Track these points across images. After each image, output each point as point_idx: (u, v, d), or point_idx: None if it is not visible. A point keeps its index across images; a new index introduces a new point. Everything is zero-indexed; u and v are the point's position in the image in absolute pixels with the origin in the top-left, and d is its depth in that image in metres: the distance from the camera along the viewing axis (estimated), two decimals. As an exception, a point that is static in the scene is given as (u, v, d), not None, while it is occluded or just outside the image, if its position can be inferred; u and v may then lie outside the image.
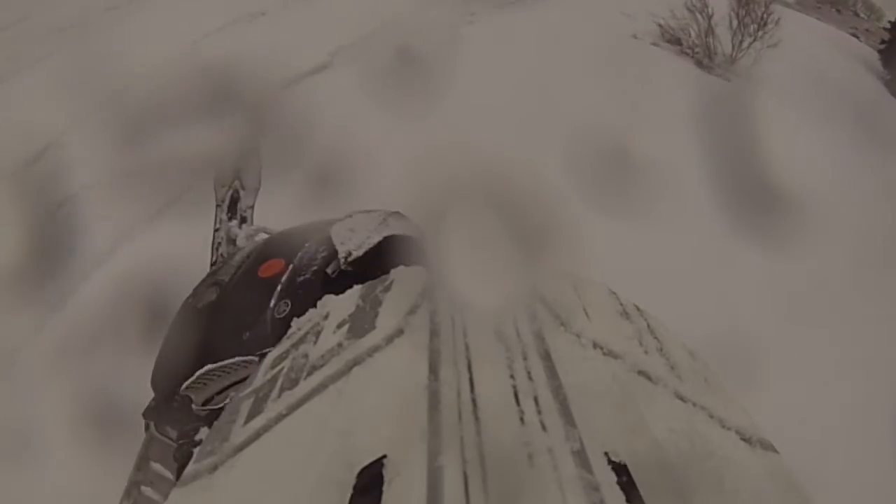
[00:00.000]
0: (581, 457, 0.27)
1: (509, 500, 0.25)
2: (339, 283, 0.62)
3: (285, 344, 0.45)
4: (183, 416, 0.66)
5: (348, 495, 0.26)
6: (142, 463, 0.73)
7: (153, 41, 2.12)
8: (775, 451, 0.33)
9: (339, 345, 0.37)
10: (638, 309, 0.44)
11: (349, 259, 0.65)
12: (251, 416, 0.35)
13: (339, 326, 0.41)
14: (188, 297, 0.74)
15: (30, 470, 1.12)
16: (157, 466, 0.70)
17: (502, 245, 0.39)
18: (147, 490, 0.71)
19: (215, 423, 0.39)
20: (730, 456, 0.30)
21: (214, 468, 0.32)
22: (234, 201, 1.24)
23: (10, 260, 1.31)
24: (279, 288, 0.65)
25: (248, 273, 0.71)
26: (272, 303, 0.64)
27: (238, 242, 0.99)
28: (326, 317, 0.44)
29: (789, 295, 1.68)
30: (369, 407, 0.31)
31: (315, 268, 0.66)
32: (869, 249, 1.78)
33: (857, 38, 3.30)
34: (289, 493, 0.27)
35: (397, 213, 0.78)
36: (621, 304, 0.43)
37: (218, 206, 1.25)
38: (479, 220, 0.41)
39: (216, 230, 1.21)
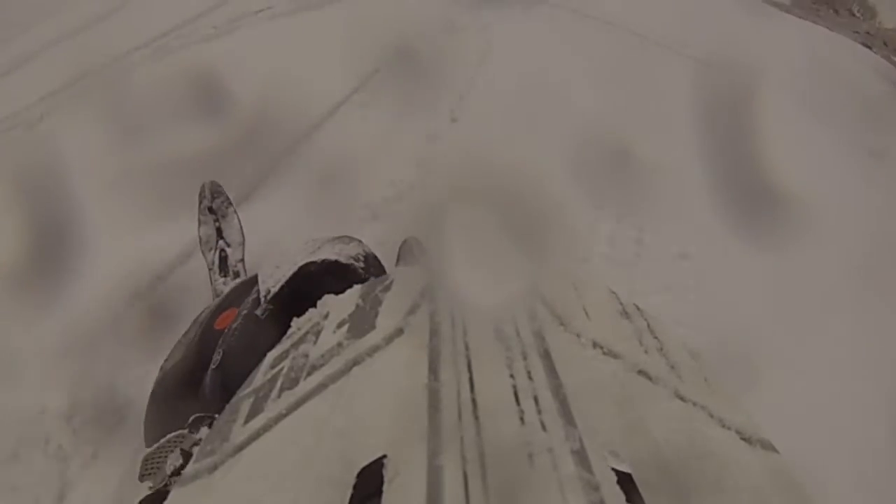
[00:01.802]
0: (581, 457, 0.27)
1: (509, 500, 0.25)
2: (269, 323, 0.62)
3: (285, 344, 0.45)
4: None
5: (348, 495, 0.26)
6: None
7: (154, 41, 2.12)
8: (775, 450, 0.33)
9: (339, 344, 0.37)
10: (638, 309, 0.44)
11: (268, 297, 0.64)
12: (251, 416, 0.35)
13: (339, 326, 0.41)
14: (164, 361, 0.75)
15: (29, 470, 1.12)
16: None
17: (502, 245, 0.39)
18: None
19: (215, 422, 0.39)
20: (730, 456, 0.30)
21: (214, 468, 0.32)
22: (224, 260, 1.28)
23: (10, 260, 1.31)
24: (220, 339, 0.65)
25: (206, 327, 0.71)
26: (214, 354, 0.64)
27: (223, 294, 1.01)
28: (326, 316, 0.44)
29: (789, 295, 1.68)
30: (369, 407, 0.31)
31: (245, 312, 0.66)
32: (870, 249, 1.78)
33: (869, 47, 3.18)
34: (289, 493, 0.27)
35: (343, 237, 0.77)
36: (621, 304, 0.43)
37: (210, 269, 1.28)
38: (480, 220, 0.41)
39: (213, 291, 1.24)
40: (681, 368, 0.37)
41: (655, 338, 0.40)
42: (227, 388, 0.56)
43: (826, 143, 2.08)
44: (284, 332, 0.51)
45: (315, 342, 0.41)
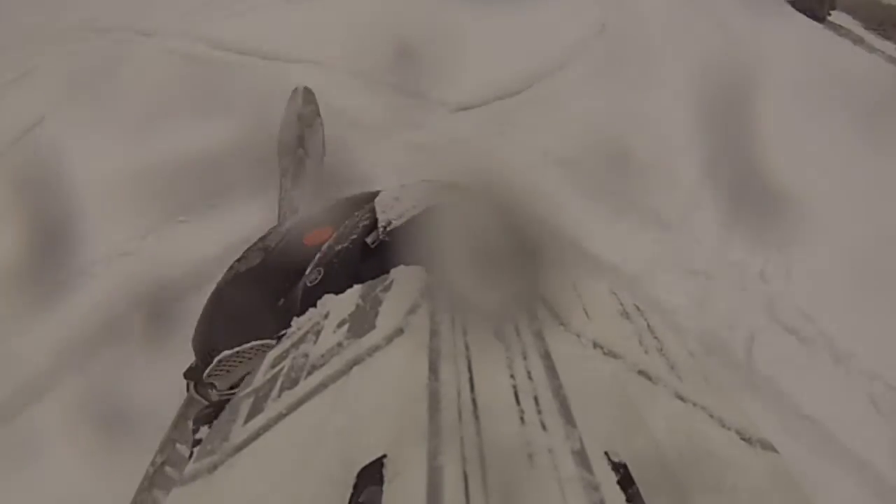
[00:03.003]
0: (581, 457, 0.27)
1: (509, 500, 0.25)
2: (378, 254, 0.58)
3: (285, 343, 0.45)
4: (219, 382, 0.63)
5: (348, 495, 0.26)
6: (179, 421, 0.71)
7: (155, 41, 2.12)
8: (775, 450, 0.33)
9: (339, 344, 0.37)
10: (638, 309, 0.44)
11: (388, 229, 0.60)
12: (251, 416, 0.35)
13: (339, 326, 0.41)
14: (235, 261, 0.71)
15: (29, 470, 1.12)
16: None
17: (502, 245, 0.39)
18: (181, 448, 0.69)
19: (215, 422, 0.39)
20: (730, 456, 0.30)
21: (214, 468, 0.32)
22: (299, 168, 1.18)
23: (10, 260, 1.31)
24: (317, 256, 0.61)
25: (294, 239, 0.68)
26: (308, 270, 0.60)
27: (301, 211, 0.95)
28: (326, 316, 0.44)
29: (789, 294, 1.68)
30: (369, 407, 0.31)
31: (354, 237, 0.62)
32: (870, 249, 1.78)
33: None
34: (289, 493, 0.27)
35: (455, 184, 0.72)
36: (621, 304, 0.43)
37: (282, 175, 1.20)
38: (480, 220, 0.41)
39: (281, 199, 1.16)
40: (681, 368, 0.37)
41: (655, 338, 0.40)
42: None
43: (826, 142, 2.09)
44: (389, 268, 0.48)
45: (315, 342, 0.41)
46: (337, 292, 0.49)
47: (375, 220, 0.62)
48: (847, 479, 1.25)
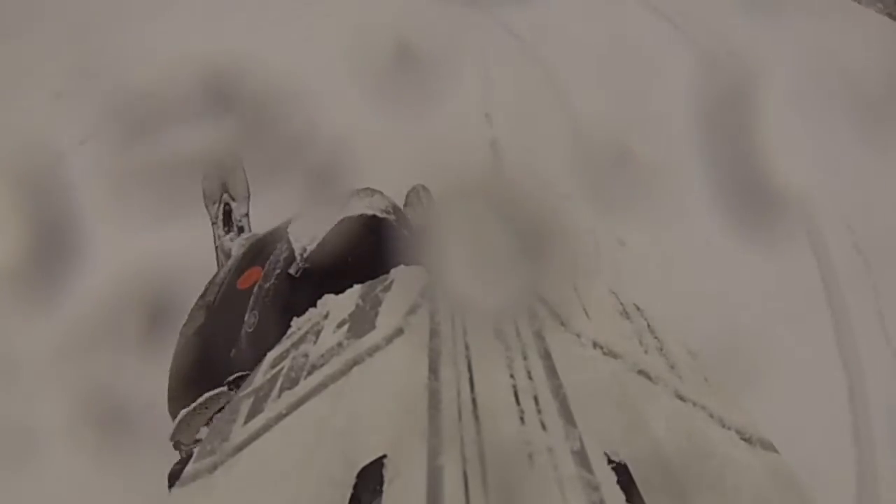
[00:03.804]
0: (581, 456, 0.27)
1: (509, 500, 0.25)
2: (304, 283, 0.59)
3: (285, 343, 0.45)
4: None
5: (348, 495, 0.26)
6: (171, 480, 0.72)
7: (155, 40, 2.12)
8: (776, 450, 0.33)
9: (339, 344, 0.37)
10: (638, 309, 0.44)
11: (305, 255, 0.61)
12: (251, 416, 0.35)
13: (339, 326, 0.41)
14: (183, 325, 0.73)
15: (29, 470, 1.12)
16: None
17: (502, 245, 0.39)
18: None
19: (215, 422, 0.39)
20: (730, 455, 0.30)
21: (214, 468, 0.32)
22: (228, 214, 1.22)
23: (10, 260, 1.31)
24: (251, 299, 0.62)
25: (228, 288, 0.69)
26: (246, 316, 0.61)
27: (233, 254, 0.97)
28: (326, 316, 0.44)
29: (790, 295, 1.68)
30: (369, 407, 0.31)
31: (278, 271, 0.63)
32: (871, 249, 1.78)
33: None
34: (289, 493, 0.27)
35: (366, 189, 0.74)
36: (621, 304, 0.43)
37: (213, 223, 1.23)
38: (479, 220, 0.41)
39: (216, 248, 1.19)
40: (681, 368, 0.37)
41: (655, 338, 0.40)
42: (263, 349, 0.55)
43: (827, 141, 2.08)
44: (320, 291, 0.49)
45: (315, 342, 0.41)
46: (275, 331, 0.50)
47: (293, 251, 0.63)
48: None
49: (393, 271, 0.46)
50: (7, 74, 2.00)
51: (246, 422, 0.35)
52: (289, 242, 0.65)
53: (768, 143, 1.90)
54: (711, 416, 0.33)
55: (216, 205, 1.24)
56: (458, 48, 2.17)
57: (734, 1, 2.64)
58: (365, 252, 0.55)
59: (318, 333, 0.42)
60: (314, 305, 0.48)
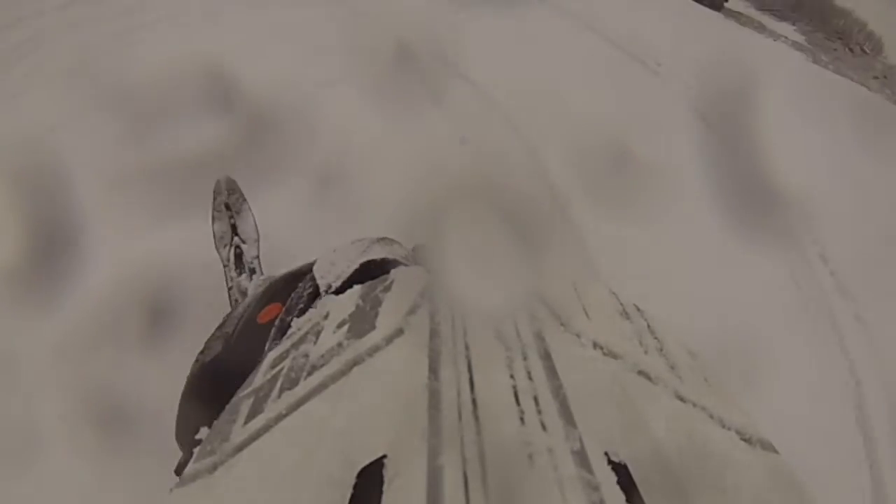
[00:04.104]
0: (581, 457, 0.27)
1: (509, 500, 0.25)
2: None
3: (285, 344, 0.45)
4: None
5: (348, 495, 0.26)
6: None
7: (155, 41, 2.12)
8: (776, 451, 0.33)
9: (339, 345, 0.37)
10: (638, 309, 0.44)
11: (329, 292, 0.64)
12: (251, 416, 0.35)
13: (339, 326, 0.41)
14: (199, 353, 0.74)
15: (30, 470, 1.12)
16: None
17: (502, 245, 0.39)
18: None
19: (215, 422, 0.39)
20: (730, 456, 0.30)
21: (214, 468, 0.32)
22: (239, 257, 1.28)
23: (10, 260, 1.31)
24: (272, 332, 0.64)
25: (248, 321, 0.70)
26: (266, 347, 0.62)
27: (250, 293, 1.00)
28: (326, 316, 0.44)
29: (790, 295, 1.68)
30: (369, 407, 0.31)
31: (301, 306, 0.64)
32: (871, 249, 1.78)
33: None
34: (289, 493, 0.27)
35: (385, 238, 0.78)
36: (621, 304, 0.43)
37: (225, 266, 1.27)
38: (480, 220, 0.41)
39: (229, 289, 1.23)
40: (681, 368, 0.37)
41: (655, 338, 0.40)
42: None
43: (827, 142, 2.08)
44: None
45: (315, 342, 0.41)
46: None
47: (317, 287, 0.65)
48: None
49: (393, 271, 0.46)
50: (7, 74, 2.00)
51: (246, 422, 0.35)
52: (313, 279, 0.67)
53: (768, 144, 1.90)
54: (711, 416, 0.33)
55: (227, 248, 1.29)
56: (458, 48, 2.17)
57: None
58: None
59: (318, 334, 0.42)
60: None
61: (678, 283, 1.60)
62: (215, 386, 0.65)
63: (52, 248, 1.40)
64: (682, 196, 1.83)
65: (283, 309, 0.65)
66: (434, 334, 0.36)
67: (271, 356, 0.44)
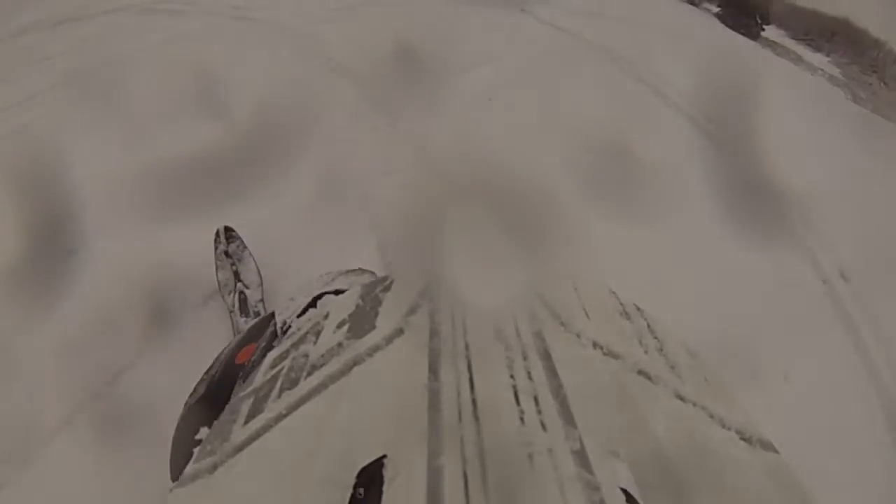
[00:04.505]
0: (581, 457, 0.27)
1: (509, 500, 0.25)
2: None
3: (285, 344, 0.45)
4: None
5: (348, 495, 0.26)
6: None
7: (154, 41, 2.12)
8: (775, 450, 0.33)
9: (340, 344, 0.37)
10: (638, 309, 0.44)
11: (284, 328, 0.64)
12: (251, 416, 0.35)
13: (339, 326, 0.41)
14: (189, 395, 0.76)
15: (30, 470, 1.12)
16: None
17: (502, 245, 0.39)
18: None
19: (215, 422, 0.39)
20: (730, 455, 0.30)
21: (214, 468, 0.32)
22: (243, 302, 1.31)
23: (10, 260, 1.31)
24: (240, 374, 0.65)
25: (227, 362, 0.72)
26: (234, 388, 0.63)
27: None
28: (326, 316, 0.44)
29: (790, 295, 1.68)
30: (369, 407, 0.31)
31: (263, 344, 0.66)
32: (871, 249, 1.78)
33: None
34: (289, 493, 0.27)
35: (356, 270, 0.78)
36: (621, 304, 0.43)
37: (231, 312, 1.31)
38: (480, 221, 0.41)
39: (235, 333, 1.25)
40: (681, 368, 0.37)
41: (655, 338, 0.40)
42: None
43: (827, 142, 2.08)
44: None
45: (315, 342, 0.41)
46: None
47: (276, 326, 0.66)
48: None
49: (393, 271, 0.46)
50: (7, 75, 2.00)
51: (246, 422, 0.35)
52: (274, 318, 0.68)
53: (769, 144, 1.90)
54: (711, 416, 0.33)
55: (232, 294, 1.33)
56: (458, 48, 2.17)
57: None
58: None
59: (318, 333, 0.42)
60: None
61: (678, 283, 1.60)
62: (199, 426, 0.67)
63: (52, 248, 1.40)
64: (682, 196, 1.83)
65: (257, 351, 0.67)
66: (434, 334, 0.36)
67: (271, 356, 0.44)
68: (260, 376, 0.42)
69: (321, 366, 0.36)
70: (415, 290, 0.40)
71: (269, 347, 0.65)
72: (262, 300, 1.33)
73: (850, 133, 2.06)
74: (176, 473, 0.65)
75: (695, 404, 0.34)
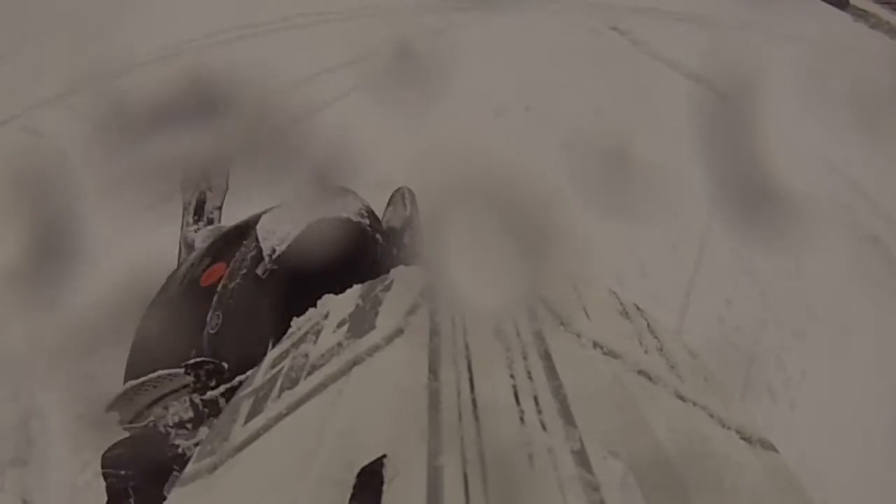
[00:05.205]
0: (581, 457, 0.27)
1: (509, 500, 0.25)
2: (271, 286, 0.57)
3: (285, 343, 0.45)
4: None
5: (348, 495, 0.26)
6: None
7: (153, 41, 2.12)
8: (775, 450, 0.33)
9: (339, 344, 0.37)
10: (638, 309, 0.44)
11: (273, 257, 0.59)
12: (251, 416, 0.35)
13: (339, 326, 0.41)
14: (142, 318, 0.71)
15: (30, 470, 1.12)
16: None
17: (502, 245, 0.39)
18: None
19: (215, 422, 0.39)
20: (730, 455, 0.30)
21: (214, 468, 0.32)
22: (201, 204, 1.17)
23: (10, 260, 1.31)
24: (215, 299, 0.60)
25: (191, 283, 0.66)
26: (209, 316, 0.59)
27: (196, 246, 0.93)
28: (326, 316, 0.44)
29: (790, 295, 1.68)
30: (369, 407, 0.31)
31: (244, 271, 0.60)
32: (872, 249, 1.78)
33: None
34: (289, 493, 0.27)
35: (339, 188, 0.72)
36: (621, 304, 0.43)
37: (184, 209, 1.18)
38: (479, 220, 0.41)
39: (181, 237, 1.16)
40: (681, 368, 0.37)
41: (655, 338, 0.40)
42: (225, 353, 0.54)
43: (827, 141, 2.09)
44: (286, 295, 0.48)
45: (315, 342, 0.41)
46: (238, 334, 0.50)
47: (261, 250, 0.60)
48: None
49: (393, 271, 0.46)
50: (7, 77, 2.00)
51: (246, 422, 0.35)
52: (257, 241, 0.62)
53: (768, 144, 1.90)
54: (711, 416, 0.33)
55: (191, 192, 1.18)
56: (458, 49, 2.17)
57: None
58: (337, 258, 0.54)
59: (318, 333, 0.42)
60: (282, 309, 0.47)
61: (678, 283, 1.60)
62: (156, 353, 0.63)
63: (51, 248, 1.40)
64: (682, 196, 1.83)
65: (226, 273, 0.61)
66: (434, 334, 0.36)
67: (271, 356, 0.44)
68: (260, 376, 0.42)
69: (321, 365, 0.36)
70: (415, 290, 0.40)
71: (251, 275, 0.59)
72: (220, 207, 1.19)
73: (850, 131, 2.05)
74: (129, 377, 0.62)
75: (695, 404, 0.34)
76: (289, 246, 0.59)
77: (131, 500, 0.58)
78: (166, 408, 0.58)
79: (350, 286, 0.45)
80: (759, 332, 1.48)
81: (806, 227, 1.78)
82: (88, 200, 1.49)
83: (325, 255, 0.55)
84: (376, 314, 0.39)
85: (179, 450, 0.57)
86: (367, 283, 0.46)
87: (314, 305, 0.45)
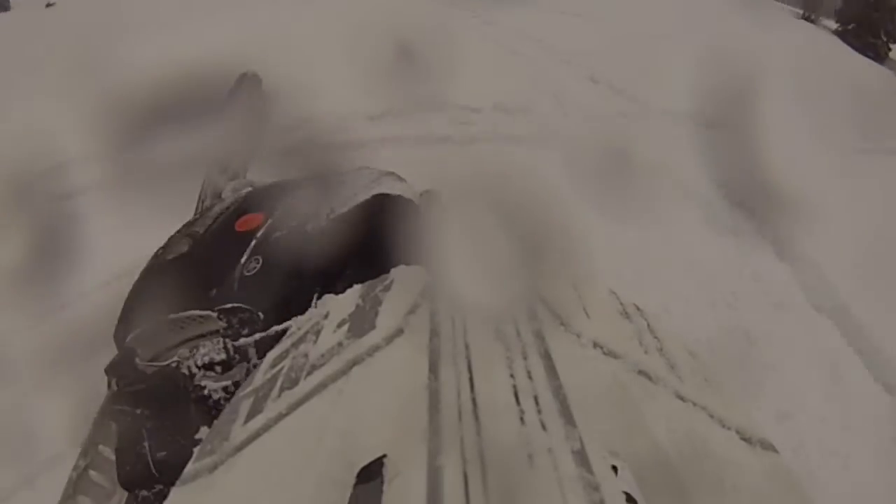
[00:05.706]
0: (581, 457, 0.27)
1: (509, 500, 0.25)
2: (318, 242, 0.58)
3: (285, 343, 0.45)
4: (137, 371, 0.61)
5: (348, 495, 0.26)
6: (102, 421, 0.68)
7: (152, 41, 2.12)
8: (775, 450, 0.33)
9: (339, 344, 0.37)
10: (638, 309, 0.44)
11: (330, 216, 0.60)
12: (251, 416, 0.35)
13: (339, 326, 0.41)
14: (159, 248, 0.70)
15: (30, 471, 1.12)
16: (115, 426, 0.65)
17: (502, 245, 0.39)
18: (104, 449, 0.67)
19: (215, 422, 0.39)
20: (730, 456, 0.30)
21: (214, 468, 0.32)
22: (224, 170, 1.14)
23: (10, 260, 1.31)
24: (253, 243, 0.60)
25: (223, 226, 0.66)
26: (243, 259, 0.59)
27: (223, 196, 0.94)
28: (326, 316, 0.44)
29: (790, 296, 1.68)
30: (369, 407, 0.31)
31: (293, 224, 0.61)
32: (872, 248, 1.78)
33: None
34: (289, 493, 0.27)
35: (392, 173, 0.73)
36: (621, 304, 0.43)
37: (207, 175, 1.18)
38: (480, 220, 0.41)
39: (205, 183, 1.15)
40: (681, 368, 0.37)
41: (655, 338, 0.40)
42: (259, 298, 0.54)
43: (827, 142, 2.08)
44: (331, 254, 0.47)
45: (315, 342, 0.41)
46: (276, 281, 0.50)
47: (314, 208, 0.61)
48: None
49: (393, 271, 0.46)
50: (7, 78, 2.00)
51: (246, 422, 0.35)
52: (311, 198, 0.63)
53: (768, 144, 1.90)
54: (711, 416, 0.33)
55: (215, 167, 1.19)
56: (458, 49, 2.17)
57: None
58: (390, 234, 0.53)
59: (318, 333, 0.42)
60: (325, 269, 0.46)
61: (678, 283, 1.60)
62: (174, 284, 0.62)
63: (52, 249, 1.40)
64: (682, 196, 1.83)
65: (270, 222, 0.61)
66: (434, 334, 0.36)
67: (271, 356, 0.44)
68: (260, 376, 0.42)
69: (321, 365, 0.36)
70: (415, 290, 0.40)
71: (300, 229, 0.59)
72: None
73: (853, 131, 2.05)
74: (122, 334, 0.61)
75: (695, 404, 0.34)
76: (349, 210, 0.60)
77: (145, 444, 0.56)
78: (195, 349, 0.57)
79: (395, 265, 0.44)
80: (760, 332, 1.48)
81: (806, 227, 1.78)
82: (88, 202, 1.49)
83: (380, 226, 0.55)
84: (376, 314, 0.39)
85: (206, 391, 0.56)
86: (367, 283, 0.46)
87: (356, 273, 0.45)
